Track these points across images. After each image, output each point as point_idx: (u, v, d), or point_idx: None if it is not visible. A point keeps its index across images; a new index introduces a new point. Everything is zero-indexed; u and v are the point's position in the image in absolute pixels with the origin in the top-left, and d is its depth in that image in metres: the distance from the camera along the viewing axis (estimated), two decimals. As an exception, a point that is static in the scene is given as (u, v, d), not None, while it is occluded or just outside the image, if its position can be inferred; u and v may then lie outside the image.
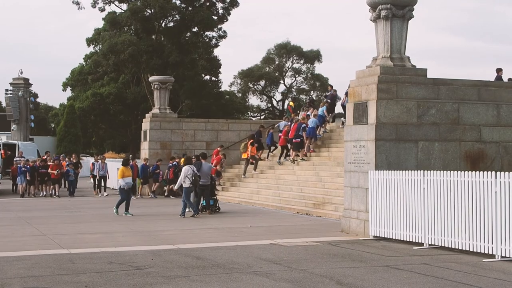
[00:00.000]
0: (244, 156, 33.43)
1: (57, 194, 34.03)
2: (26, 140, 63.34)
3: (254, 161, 32.85)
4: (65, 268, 13.08)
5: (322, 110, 33.40)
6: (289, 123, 33.31)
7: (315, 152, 31.23)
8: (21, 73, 68.65)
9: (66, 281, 11.79)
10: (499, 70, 28.01)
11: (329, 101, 33.90)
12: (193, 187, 23.49)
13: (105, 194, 34.31)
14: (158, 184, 34.03)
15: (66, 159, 38.04)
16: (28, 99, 68.47)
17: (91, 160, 43.20)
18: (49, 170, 34.17)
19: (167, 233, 18.86)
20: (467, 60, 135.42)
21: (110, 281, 11.79)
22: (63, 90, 78.51)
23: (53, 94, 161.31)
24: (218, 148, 33.56)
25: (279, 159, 32.52)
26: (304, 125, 31.20)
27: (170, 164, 33.10)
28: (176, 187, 26.15)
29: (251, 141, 33.08)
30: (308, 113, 34.08)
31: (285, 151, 32.44)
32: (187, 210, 24.54)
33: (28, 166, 34.26)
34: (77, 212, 25.38)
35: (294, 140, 31.15)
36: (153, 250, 15.40)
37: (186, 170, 23.58)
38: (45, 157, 37.46)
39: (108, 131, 74.44)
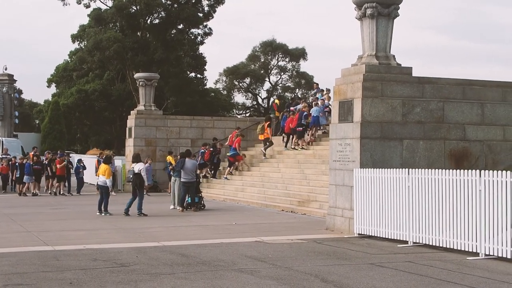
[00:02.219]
0: (261, 138, 33.37)
1: (61, 192, 32.60)
2: (10, 136, 62.99)
3: (267, 143, 32.79)
4: (49, 265, 13.03)
5: None
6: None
7: (298, 151, 31.05)
8: (6, 69, 68.14)
9: (51, 278, 11.75)
10: None
11: None
12: (132, 183, 22.98)
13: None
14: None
15: (71, 155, 36.83)
16: (12, 95, 68.09)
17: (76, 156, 42.75)
18: (57, 166, 32.35)
19: (152, 230, 18.83)
20: (453, 59, 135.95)
21: (95, 278, 11.76)
22: (47, 87, 78.15)
23: (37, 90, 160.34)
24: (236, 131, 33.49)
25: (285, 145, 32.53)
26: (305, 113, 31.19)
27: (202, 150, 33.00)
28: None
29: (268, 122, 33.15)
30: (321, 97, 33.60)
31: (290, 138, 32.34)
32: (171, 207, 24.54)
33: (17, 163, 33.10)
34: (62, 209, 25.28)
35: (297, 128, 31.24)
36: (138, 247, 15.38)
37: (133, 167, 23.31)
38: (32, 153, 35.39)
39: (93, 127, 74.20)
